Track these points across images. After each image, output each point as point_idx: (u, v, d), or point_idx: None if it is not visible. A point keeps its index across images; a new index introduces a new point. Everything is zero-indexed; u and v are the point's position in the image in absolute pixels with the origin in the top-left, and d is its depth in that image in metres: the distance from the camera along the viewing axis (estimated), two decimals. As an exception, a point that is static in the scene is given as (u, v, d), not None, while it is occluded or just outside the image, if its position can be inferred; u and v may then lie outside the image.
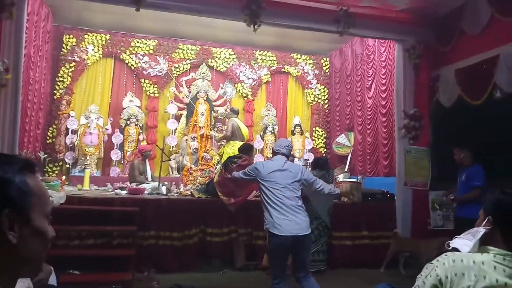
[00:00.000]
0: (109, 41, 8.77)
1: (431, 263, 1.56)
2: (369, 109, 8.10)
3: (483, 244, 1.58)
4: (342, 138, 8.95)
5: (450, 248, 1.68)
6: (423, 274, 1.56)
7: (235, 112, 8.06)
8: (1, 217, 0.81)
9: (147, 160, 6.99)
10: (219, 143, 8.62)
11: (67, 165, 8.13)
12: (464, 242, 1.65)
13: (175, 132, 8.84)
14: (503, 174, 4.73)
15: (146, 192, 5.88)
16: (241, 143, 6.79)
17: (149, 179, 6.71)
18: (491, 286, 1.43)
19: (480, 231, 1.60)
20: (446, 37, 5.86)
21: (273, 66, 9.71)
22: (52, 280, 2.53)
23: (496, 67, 4.96)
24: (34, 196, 0.88)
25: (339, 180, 6.86)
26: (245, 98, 9.56)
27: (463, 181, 4.82)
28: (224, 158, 6.78)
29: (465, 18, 5.51)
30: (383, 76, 7.58)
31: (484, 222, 1.59)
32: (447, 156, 5.13)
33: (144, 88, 8.99)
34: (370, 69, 8.10)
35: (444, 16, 5.96)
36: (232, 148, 7.47)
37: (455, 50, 5.76)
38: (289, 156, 3.99)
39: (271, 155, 4.11)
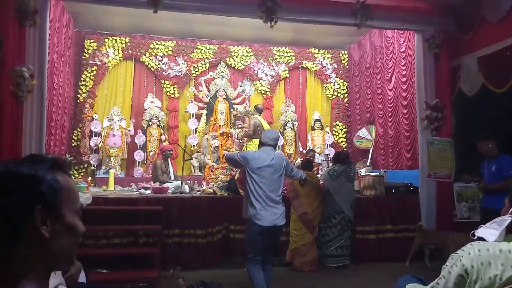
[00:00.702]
0: (128, 44, 8.93)
1: (457, 253, 1.54)
2: (390, 102, 7.99)
3: (509, 233, 1.55)
4: (363, 132, 8.86)
5: (476, 237, 1.66)
6: (449, 265, 1.55)
7: (259, 110, 8.10)
8: (34, 213, 0.85)
9: (169, 160, 7.09)
10: (240, 141, 8.66)
11: (92, 167, 8.33)
12: (489, 231, 1.62)
13: (196, 131, 8.94)
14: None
15: (169, 191, 5.97)
16: None
17: (172, 178, 6.81)
18: (519, 275, 1.41)
19: (507, 219, 1.57)
20: (467, 25, 5.73)
21: (291, 61, 9.69)
22: (82, 278, 2.62)
23: (520, 54, 4.83)
24: (64, 193, 0.92)
25: (361, 174, 6.80)
26: (264, 95, 9.58)
27: (492, 172, 4.70)
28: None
29: (486, 5, 5.37)
30: (403, 68, 7.46)
31: (511, 211, 1.57)
32: (471, 147, 5.02)
33: (164, 89, 9.12)
34: (390, 60, 7.99)
35: (463, 3, 5.82)
36: (254, 146, 7.49)
37: (476, 38, 5.62)
38: (276, 146, 4.19)
39: (259, 146, 4.29)
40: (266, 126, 7.85)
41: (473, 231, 1.74)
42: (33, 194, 0.87)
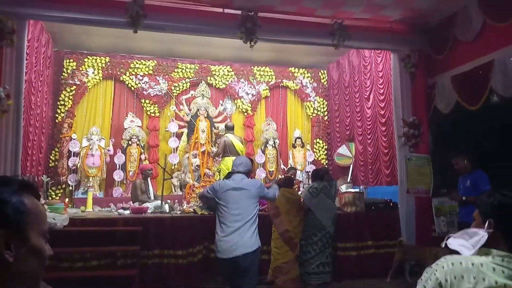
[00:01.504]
0: (108, 63, 8.90)
1: (431, 267, 1.56)
2: (368, 119, 8.14)
3: (483, 246, 1.58)
4: (343, 149, 8.97)
5: (444, 246, 1.68)
6: (423, 278, 1.57)
7: (229, 128, 8.06)
8: None
9: (149, 179, 7.01)
10: (214, 159, 8.65)
11: (70, 188, 8.16)
12: (459, 242, 1.65)
13: (176, 150, 8.88)
14: (501, 179, 4.71)
15: (149, 211, 5.88)
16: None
17: (152, 198, 6.72)
18: (490, 287, 1.43)
19: (483, 234, 1.60)
20: (441, 45, 5.93)
21: (271, 81, 9.81)
22: (56, 302, 2.54)
23: (492, 72, 5.00)
24: (30, 215, 0.90)
25: (342, 191, 6.85)
26: (245, 114, 9.63)
27: (467, 187, 4.79)
28: (222, 174, 6.79)
29: (458, 26, 5.59)
30: (381, 86, 7.64)
31: (486, 225, 1.60)
32: (448, 163, 5.13)
33: (144, 108, 9.08)
34: (368, 79, 8.17)
35: (437, 24, 6.04)
36: (226, 164, 7.48)
37: (450, 57, 5.82)
38: (249, 172, 3.86)
39: (229, 174, 4.04)
40: (237, 143, 7.79)
41: (444, 242, 1.77)
42: None
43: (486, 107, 5.23)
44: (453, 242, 1.66)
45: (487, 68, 5.09)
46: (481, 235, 1.59)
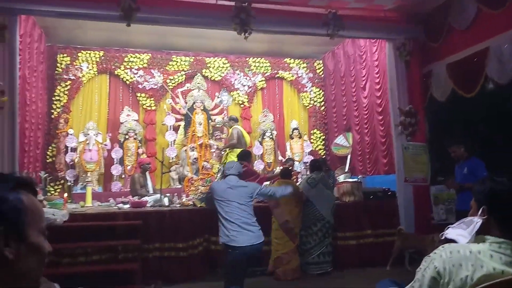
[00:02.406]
0: (103, 57, 8.84)
1: (429, 256, 1.58)
2: (365, 109, 8.14)
3: (479, 233, 1.60)
4: (340, 139, 8.98)
5: (443, 238, 1.70)
6: (422, 267, 1.59)
7: (235, 120, 8.10)
8: None
9: (147, 173, 7.01)
10: (223, 152, 8.64)
11: (69, 183, 8.14)
12: (457, 231, 1.67)
13: (174, 144, 8.88)
14: (498, 165, 4.74)
15: (148, 204, 5.90)
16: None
17: (151, 191, 6.72)
18: (489, 274, 1.45)
19: (477, 221, 1.62)
20: (435, 33, 5.92)
21: (267, 72, 9.78)
22: (58, 298, 2.56)
23: (487, 59, 5.02)
24: (28, 213, 0.90)
25: (340, 181, 6.88)
26: (242, 106, 9.61)
27: (464, 174, 4.80)
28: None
29: (452, 14, 5.58)
30: (377, 75, 7.63)
31: (480, 212, 1.62)
32: (445, 151, 5.15)
33: (140, 102, 9.04)
34: (363, 69, 8.16)
35: (431, 12, 6.03)
36: (236, 155, 7.48)
37: (445, 45, 5.81)
38: (240, 175, 4.17)
39: (223, 177, 4.38)
40: (246, 135, 7.85)
41: (442, 233, 1.79)
42: None
43: (482, 94, 5.25)
44: (451, 232, 1.68)
45: (483, 55, 5.10)
46: (475, 221, 1.61)
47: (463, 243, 1.66)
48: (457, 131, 5.76)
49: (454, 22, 5.56)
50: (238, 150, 7.47)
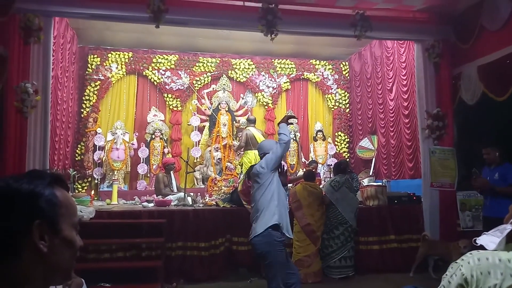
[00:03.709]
0: (131, 58, 9.03)
1: (456, 262, 1.54)
2: (391, 111, 8.01)
3: (510, 241, 1.55)
4: (365, 142, 8.86)
5: (479, 244, 1.65)
6: (448, 274, 1.55)
7: (251, 121, 8.11)
8: (32, 228, 0.87)
9: (172, 173, 7.12)
10: (236, 153, 8.69)
11: (96, 181, 8.36)
12: (491, 239, 1.62)
13: (198, 144, 8.98)
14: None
15: (172, 203, 5.98)
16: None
17: (175, 190, 6.82)
18: (518, 284, 1.40)
19: (508, 228, 1.57)
20: (466, 34, 5.76)
21: (292, 73, 9.75)
22: (84, 291, 2.63)
23: (520, 62, 4.85)
24: (62, 208, 0.94)
25: (364, 184, 6.79)
26: (266, 107, 9.62)
27: (496, 179, 4.65)
28: (245, 167, 6.82)
29: (485, 14, 5.41)
30: (404, 77, 7.49)
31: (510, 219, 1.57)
32: (473, 155, 5.01)
33: (167, 102, 9.19)
34: (391, 70, 8.03)
35: (462, 13, 5.88)
36: (248, 157, 7.53)
37: (476, 47, 5.65)
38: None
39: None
40: (258, 137, 7.81)
41: (475, 238, 1.74)
42: (31, 209, 0.88)
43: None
44: (485, 238, 1.63)
45: (515, 57, 4.93)
46: (508, 228, 1.56)
47: (491, 249, 1.62)
48: (486, 136, 5.58)
49: (486, 23, 5.40)
50: (250, 152, 7.50)
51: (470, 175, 4.74)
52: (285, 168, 3.46)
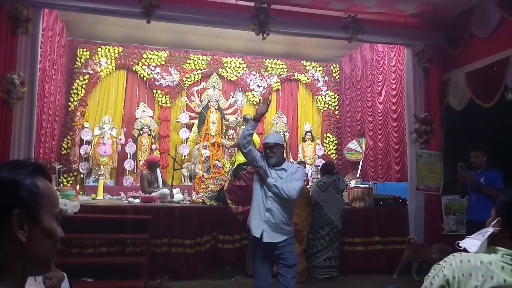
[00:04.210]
0: (121, 53, 8.95)
1: (439, 264, 1.56)
2: (380, 114, 8.07)
3: (491, 244, 1.57)
4: (353, 144, 8.92)
5: (462, 248, 1.67)
6: (431, 275, 1.56)
7: (247, 120, 8.07)
8: (11, 217, 0.85)
9: (158, 170, 7.05)
10: (230, 150, 8.65)
11: (81, 175, 8.27)
12: (474, 242, 1.64)
13: (187, 141, 8.93)
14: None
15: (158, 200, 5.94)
16: None
17: (161, 186, 6.75)
18: (499, 286, 1.42)
19: (489, 231, 1.59)
20: (456, 40, 5.84)
21: (283, 73, 9.77)
22: (65, 286, 2.58)
23: (507, 69, 4.93)
24: (43, 198, 0.92)
25: (351, 186, 6.83)
26: (256, 106, 9.60)
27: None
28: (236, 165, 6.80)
29: (475, 21, 5.50)
30: (393, 81, 7.56)
31: (493, 223, 1.59)
32: (459, 160, 5.05)
33: (156, 99, 9.13)
34: (380, 74, 8.09)
35: (453, 19, 5.95)
36: (241, 156, 7.47)
37: (465, 53, 5.73)
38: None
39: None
40: (254, 136, 7.79)
41: (458, 241, 1.76)
42: (11, 197, 0.87)
43: (500, 104, 5.15)
44: (468, 242, 1.65)
45: (503, 64, 5.02)
46: (489, 231, 1.58)
47: (473, 252, 1.64)
48: (473, 141, 5.65)
49: (476, 30, 5.48)
50: None
51: (457, 170, 4.68)
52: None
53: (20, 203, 0.87)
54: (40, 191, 0.91)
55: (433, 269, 1.56)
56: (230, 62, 9.47)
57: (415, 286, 4.87)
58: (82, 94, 8.65)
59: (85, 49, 8.76)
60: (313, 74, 9.94)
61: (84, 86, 8.68)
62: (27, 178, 0.90)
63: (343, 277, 5.45)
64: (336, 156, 9.72)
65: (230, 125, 8.97)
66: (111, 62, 8.88)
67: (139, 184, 7.55)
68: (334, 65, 10.09)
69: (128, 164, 8.48)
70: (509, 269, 1.45)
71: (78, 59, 8.71)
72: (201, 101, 9.06)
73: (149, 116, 8.83)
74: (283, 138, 8.98)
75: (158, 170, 6.91)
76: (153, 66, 9.09)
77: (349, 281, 5.35)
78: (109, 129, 8.34)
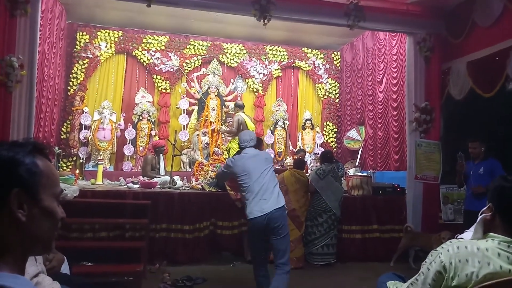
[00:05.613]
0: (121, 37, 8.87)
1: (436, 250, 1.57)
2: (380, 103, 8.05)
3: (486, 231, 1.58)
4: (353, 133, 8.91)
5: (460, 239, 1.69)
6: (428, 261, 1.58)
7: (240, 107, 8.01)
8: (10, 196, 0.85)
9: (161, 155, 7.07)
10: (225, 137, 8.64)
11: (81, 160, 8.27)
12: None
13: (186, 127, 8.92)
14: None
15: (157, 186, 5.96)
16: None
17: (162, 173, 6.78)
18: (495, 272, 1.44)
19: (481, 216, 1.61)
20: (458, 29, 5.79)
21: (283, 60, 9.71)
22: (65, 269, 2.61)
23: (509, 59, 4.89)
24: (43, 177, 0.92)
25: (350, 174, 6.85)
26: (256, 93, 9.58)
27: (480, 174, 4.70)
28: (232, 152, 6.81)
29: (477, 10, 5.44)
30: (394, 70, 7.52)
31: (484, 209, 1.61)
32: (458, 150, 5.06)
33: (156, 84, 9.08)
34: (381, 62, 8.04)
35: (455, 8, 5.89)
36: (236, 143, 7.46)
37: (466, 42, 5.69)
38: (257, 147, 4.06)
39: (239, 152, 4.09)
40: (249, 123, 7.76)
41: (458, 235, 1.78)
42: (10, 176, 0.86)
43: (501, 94, 5.14)
44: (468, 235, 1.67)
45: (504, 54, 4.97)
46: (480, 216, 1.60)
47: (468, 237, 1.65)
48: (472, 131, 5.65)
49: (478, 19, 5.43)
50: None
51: (456, 160, 4.77)
52: None
53: (19, 182, 0.87)
54: (40, 170, 0.91)
55: (430, 255, 1.58)
56: (231, 48, 9.40)
57: (412, 273, 4.92)
58: (81, 79, 8.59)
59: (84, 33, 8.68)
60: (314, 62, 9.87)
61: (83, 70, 8.62)
62: (27, 157, 0.90)
63: (340, 264, 5.50)
64: (336, 145, 9.73)
65: (230, 112, 8.94)
66: (110, 47, 8.81)
67: (138, 169, 7.58)
68: (335, 53, 10.03)
69: (128, 150, 8.48)
70: (505, 256, 1.46)
71: (77, 42, 8.63)
72: (201, 87, 9.01)
73: (149, 102, 8.79)
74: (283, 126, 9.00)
75: (161, 156, 6.91)
76: (153, 51, 9.03)
77: (346, 268, 5.40)
78: (108, 114, 8.32)
